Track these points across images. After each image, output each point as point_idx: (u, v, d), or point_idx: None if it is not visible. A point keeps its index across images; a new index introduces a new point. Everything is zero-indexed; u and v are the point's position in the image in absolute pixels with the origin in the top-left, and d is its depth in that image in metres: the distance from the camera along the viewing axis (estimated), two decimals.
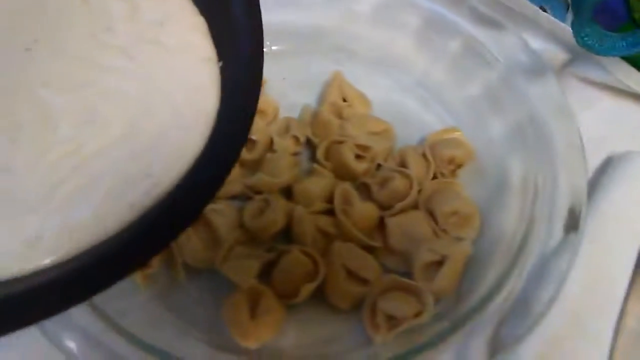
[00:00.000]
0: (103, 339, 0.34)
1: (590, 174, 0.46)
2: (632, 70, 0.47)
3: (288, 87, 0.50)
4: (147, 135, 0.28)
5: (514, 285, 0.36)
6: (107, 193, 0.26)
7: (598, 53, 0.42)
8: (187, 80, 0.29)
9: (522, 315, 0.35)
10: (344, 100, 0.47)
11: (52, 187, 0.26)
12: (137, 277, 0.39)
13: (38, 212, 0.26)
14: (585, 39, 0.42)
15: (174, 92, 0.29)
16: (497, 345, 0.34)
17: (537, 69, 0.45)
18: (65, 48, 0.29)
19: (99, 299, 0.35)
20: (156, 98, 0.29)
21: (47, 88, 0.28)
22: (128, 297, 0.39)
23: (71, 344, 0.33)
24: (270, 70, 0.48)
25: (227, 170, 0.26)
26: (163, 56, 0.30)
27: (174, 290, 0.40)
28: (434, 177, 0.44)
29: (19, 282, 0.24)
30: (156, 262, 0.39)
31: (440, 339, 0.35)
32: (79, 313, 0.34)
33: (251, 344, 0.36)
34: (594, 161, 0.46)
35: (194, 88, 0.29)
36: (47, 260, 0.25)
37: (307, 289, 0.38)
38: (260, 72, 0.28)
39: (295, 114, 0.48)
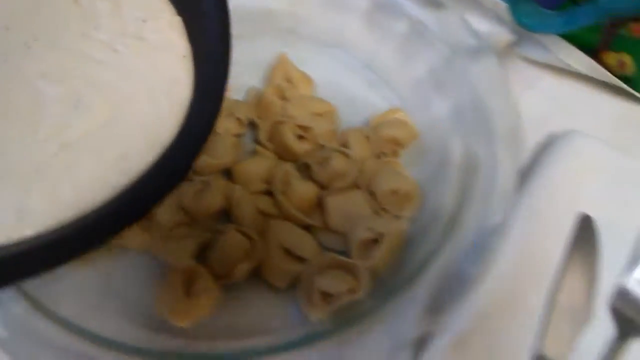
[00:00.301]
0: (35, 325, 0.34)
1: (531, 152, 0.46)
2: (573, 48, 0.47)
3: (235, 69, 0.49)
4: (128, 121, 0.30)
5: (448, 259, 0.37)
6: (89, 172, 0.29)
7: (535, 31, 0.43)
8: (165, 74, 0.32)
9: (454, 289, 0.36)
10: (288, 82, 0.47)
11: (40, 163, 0.29)
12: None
13: (27, 187, 0.28)
14: (522, 17, 0.42)
15: (153, 84, 0.31)
16: (429, 319, 0.35)
17: (479, 49, 0.45)
18: (60, 43, 0.32)
19: (30, 283, 0.35)
20: (138, 88, 0.31)
21: (43, 79, 0.31)
22: (62, 281, 0.38)
23: (2, 332, 0.33)
24: None
25: (194, 158, 0.29)
26: (145, 50, 0.32)
27: (110, 272, 0.40)
28: (377, 157, 0.44)
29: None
30: None
31: (371, 312, 0.35)
32: (10, 299, 0.34)
33: (185, 323, 0.36)
34: (536, 139, 0.47)
35: (171, 81, 0.32)
36: (29, 232, 0.27)
37: (243, 268, 0.38)
38: (227, 67, 0.32)
39: (242, 96, 0.48)
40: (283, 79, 0.47)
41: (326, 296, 0.37)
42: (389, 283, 0.38)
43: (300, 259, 0.39)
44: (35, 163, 0.29)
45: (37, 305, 0.34)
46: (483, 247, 0.37)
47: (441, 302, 0.35)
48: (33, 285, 0.35)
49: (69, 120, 0.30)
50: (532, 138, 0.46)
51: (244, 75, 0.49)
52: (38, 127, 0.29)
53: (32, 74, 0.31)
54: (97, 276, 0.40)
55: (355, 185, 0.43)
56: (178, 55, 0.33)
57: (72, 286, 0.38)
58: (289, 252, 0.39)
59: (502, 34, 0.51)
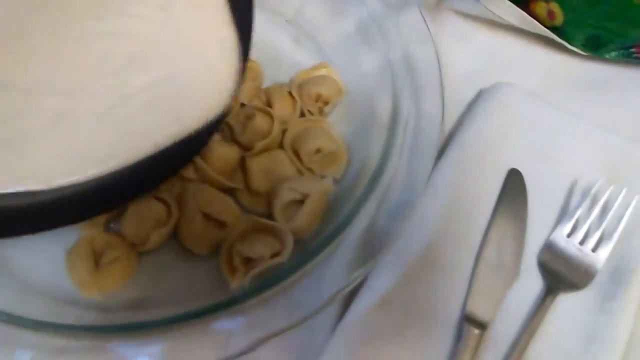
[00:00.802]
0: None
1: (463, 106, 0.45)
2: (504, 1, 0.46)
3: None
4: (183, 80, 0.34)
5: (372, 216, 0.36)
6: (142, 125, 0.33)
7: None
8: (217, 36, 0.36)
9: (378, 247, 0.35)
10: None
11: (100, 114, 0.32)
12: None
13: (90, 132, 0.32)
14: None
15: (207, 45, 0.35)
16: (349, 273, 0.34)
17: (404, 3, 0.44)
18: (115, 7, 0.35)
19: None
20: (192, 48, 0.35)
21: (104, 41, 0.34)
22: None
23: None
24: None
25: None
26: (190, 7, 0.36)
27: (15, 242, 0.37)
28: (302, 116, 0.42)
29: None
30: None
31: (292, 272, 0.34)
32: None
33: (94, 294, 0.34)
34: (469, 94, 0.46)
35: (223, 45, 0.36)
36: (91, 172, 0.32)
37: (158, 234, 0.36)
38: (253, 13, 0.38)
39: None
40: None
41: (248, 261, 0.36)
42: (311, 243, 0.36)
43: (221, 224, 0.37)
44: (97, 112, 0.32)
45: None
46: (408, 203, 0.36)
47: (364, 260, 0.34)
48: None
49: (127, 72, 0.33)
50: (464, 93, 0.45)
51: None
52: (102, 79, 0.33)
53: (94, 32, 0.34)
54: (7, 247, 0.37)
55: (279, 145, 0.41)
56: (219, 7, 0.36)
57: None
58: (208, 217, 0.37)
59: None
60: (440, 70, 0.39)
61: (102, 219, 0.36)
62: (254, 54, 0.44)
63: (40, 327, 0.33)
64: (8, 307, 0.33)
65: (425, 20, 0.42)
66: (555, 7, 0.45)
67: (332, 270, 0.34)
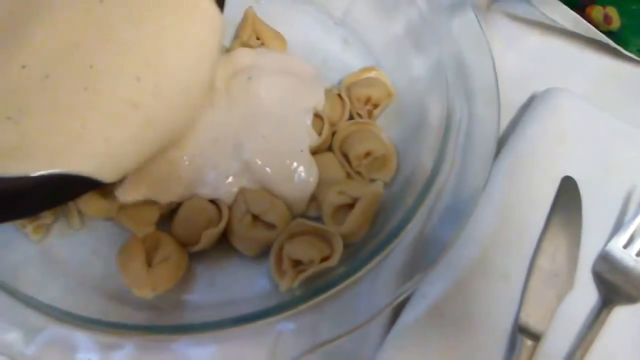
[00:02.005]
0: None
1: (514, 111, 0.44)
2: (557, 3, 0.45)
3: None
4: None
5: (424, 224, 0.35)
6: None
7: None
8: None
9: (430, 255, 0.34)
10: (258, 39, 0.44)
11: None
12: (28, 229, 0.36)
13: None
14: None
15: None
16: (402, 282, 0.33)
17: (457, 5, 0.43)
18: None
19: None
20: None
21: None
22: (17, 251, 0.36)
23: None
24: None
25: None
26: None
27: (69, 241, 0.38)
28: (351, 118, 0.42)
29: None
30: (49, 212, 0.36)
31: (344, 279, 0.33)
32: None
33: (146, 293, 0.34)
34: (520, 98, 0.45)
35: None
36: None
37: (208, 235, 0.36)
38: None
39: None
40: (252, 35, 0.44)
41: (297, 264, 0.36)
42: (362, 249, 0.36)
43: (270, 226, 0.37)
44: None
45: None
46: (461, 211, 0.35)
47: (416, 268, 0.33)
48: None
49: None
50: (515, 97, 0.44)
51: None
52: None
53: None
54: (55, 244, 0.38)
55: (328, 148, 0.41)
56: None
57: (28, 256, 0.36)
58: (258, 219, 0.37)
59: None
60: (496, 75, 0.38)
61: (154, 217, 0.36)
62: (303, 55, 0.45)
63: (92, 324, 0.33)
64: (61, 304, 0.33)
65: (480, 23, 0.41)
66: (612, 12, 0.44)
67: (383, 278, 0.33)
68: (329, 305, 0.33)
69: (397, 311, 0.36)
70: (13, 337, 0.32)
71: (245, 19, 0.45)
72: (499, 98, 0.38)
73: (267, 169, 0.37)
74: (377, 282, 0.33)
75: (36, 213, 0.35)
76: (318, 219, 0.38)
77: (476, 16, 0.42)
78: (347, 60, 0.46)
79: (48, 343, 0.32)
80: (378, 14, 0.46)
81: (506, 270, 0.37)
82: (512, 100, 0.44)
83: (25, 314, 0.32)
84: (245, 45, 0.43)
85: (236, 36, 0.45)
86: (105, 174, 0.32)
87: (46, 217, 0.37)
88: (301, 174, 0.38)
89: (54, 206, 0.36)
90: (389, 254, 0.34)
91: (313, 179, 0.38)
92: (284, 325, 0.33)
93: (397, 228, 0.35)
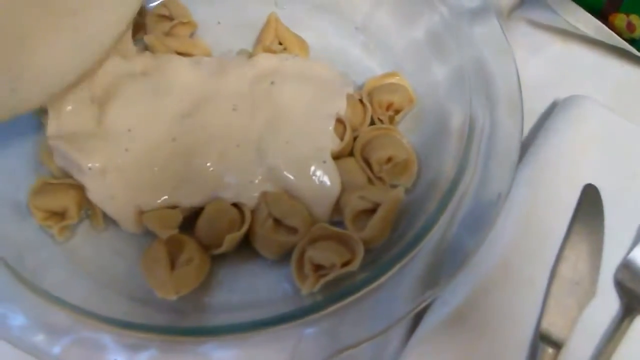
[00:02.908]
0: (17, 297, 0.33)
1: (536, 118, 0.44)
2: (580, 10, 0.45)
3: (223, 31, 0.47)
4: None
5: (445, 229, 0.35)
6: None
7: None
8: None
9: (452, 262, 0.34)
10: (280, 44, 0.45)
11: None
12: (54, 230, 0.37)
13: None
14: None
15: None
16: (424, 289, 0.33)
17: (479, 11, 0.43)
18: None
19: (12, 255, 0.34)
20: None
21: None
22: (43, 251, 0.37)
23: None
24: (204, 14, 0.47)
25: None
26: None
27: (93, 243, 0.38)
28: (372, 124, 0.42)
29: None
30: (74, 213, 0.37)
31: (366, 284, 0.33)
32: None
33: (170, 295, 0.34)
34: (541, 105, 0.45)
35: None
36: None
37: (231, 238, 0.36)
38: None
39: (231, 58, 0.45)
40: (274, 40, 0.45)
41: (319, 268, 0.36)
42: (383, 255, 0.36)
43: (292, 230, 0.37)
44: None
45: (21, 279, 0.33)
46: (483, 218, 0.35)
47: (438, 275, 0.33)
48: (14, 255, 0.34)
49: None
50: (537, 105, 0.44)
51: (234, 37, 0.47)
52: None
53: None
54: (80, 245, 0.38)
55: (350, 153, 0.41)
56: None
57: (52, 256, 0.36)
58: (280, 223, 0.37)
59: None
60: (519, 82, 0.38)
61: (178, 220, 0.37)
62: (324, 60, 0.45)
63: (116, 325, 0.33)
64: (86, 305, 0.33)
65: (503, 30, 0.41)
66: (635, 20, 0.44)
67: (405, 284, 0.33)
68: (351, 311, 0.33)
69: (418, 317, 0.36)
70: (39, 337, 0.32)
71: (268, 23, 0.45)
72: (522, 105, 0.38)
73: (290, 174, 0.37)
74: (399, 289, 0.33)
75: None
76: (339, 223, 0.38)
77: (499, 22, 0.42)
78: (368, 65, 0.47)
79: (73, 344, 0.32)
80: (399, 20, 0.47)
81: (528, 278, 0.36)
82: (534, 108, 0.44)
83: (51, 314, 0.33)
84: (268, 50, 0.44)
85: (259, 41, 0.45)
86: None
87: (71, 218, 0.37)
88: (324, 179, 0.38)
89: None
90: (411, 260, 0.34)
91: (336, 185, 0.38)
92: (306, 330, 0.33)
93: (419, 235, 0.35)
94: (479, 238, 0.34)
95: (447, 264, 0.34)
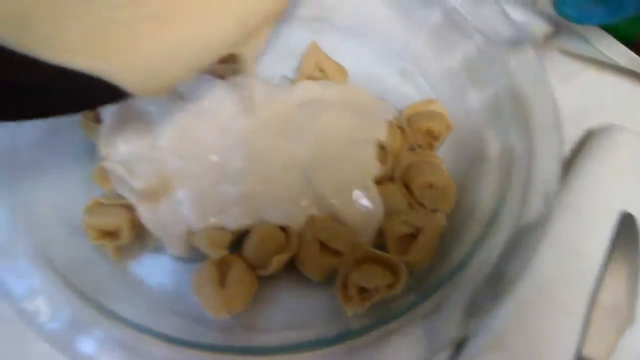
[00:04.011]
0: (72, 310, 0.34)
1: (569, 147, 0.45)
2: (614, 41, 0.46)
3: (264, 58, 0.49)
4: None
5: (488, 256, 0.36)
6: None
7: (578, 22, 0.42)
8: None
9: (494, 285, 0.35)
10: (321, 71, 0.46)
11: None
12: (108, 249, 0.38)
13: None
14: (564, 7, 0.41)
15: None
16: (469, 315, 0.34)
17: (516, 40, 0.44)
18: None
19: (69, 270, 0.35)
20: None
21: None
22: (97, 269, 0.38)
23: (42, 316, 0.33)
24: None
25: None
26: None
27: (145, 261, 0.40)
28: (411, 149, 0.43)
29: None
30: (127, 233, 0.38)
31: (410, 309, 0.34)
32: (50, 284, 0.34)
33: (222, 314, 0.36)
34: (575, 134, 0.46)
35: None
36: None
37: (278, 260, 0.37)
38: None
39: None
40: (315, 68, 0.46)
41: (363, 291, 0.37)
42: (426, 280, 0.37)
43: (335, 252, 0.38)
44: None
45: (77, 291, 0.34)
46: (522, 245, 0.36)
47: (480, 302, 0.34)
48: (72, 270, 0.35)
49: None
50: (571, 133, 0.45)
51: (276, 64, 0.48)
52: None
53: None
54: (132, 264, 0.40)
55: (390, 178, 0.42)
56: None
57: (107, 274, 0.38)
58: (325, 246, 0.38)
59: (539, 25, 0.50)
60: (557, 110, 0.40)
61: (227, 241, 0.38)
62: (363, 86, 0.46)
63: (170, 341, 0.34)
64: (138, 320, 0.35)
65: (539, 60, 0.42)
66: None
67: (448, 311, 0.34)
68: (394, 337, 0.34)
69: (459, 343, 0.37)
70: (91, 349, 0.33)
71: (308, 51, 0.47)
72: (561, 133, 0.39)
73: (335, 199, 0.39)
74: (442, 316, 0.34)
75: (54, 114, 0.33)
76: (381, 246, 0.39)
77: (535, 52, 0.43)
78: (405, 92, 0.48)
79: (125, 358, 0.33)
80: (435, 48, 0.48)
81: (566, 304, 0.37)
82: (568, 136, 0.45)
83: (104, 327, 0.34)
84: (309, 77, 0.45)
85: (300, 68, 0.47)
86: (136, 88, 0.32)
87: (124, 238, 0.38)
88: (367, 205, 0.39)
89: (71, 111, 0.34)
90: (454, 287, 0.35)
91: (379, 210, 0.39)
92: (351, 353, 0.34)
93: (462, 261, 0.36)
94: (521, 265, 0.35)
95: (489, 291, 0.34)
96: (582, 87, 0.48)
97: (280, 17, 0.48)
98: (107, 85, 0.30)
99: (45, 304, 0.33)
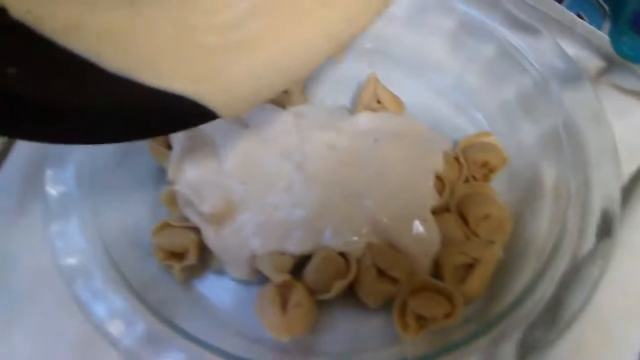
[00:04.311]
0: (146, 325, 0.35)
1: (624, 181, 0.46)
2: None
3: (323, 88, 0.51)
4: None
5: (545, 289, 0.36)
6: None
7: (635, 61, 0.42)
8: None
9: (552, 319, 0.35)
10: (378, 102, 0.48)
11: None
12: (175, 269, 0.40)
13: None
14: (623, 47, 0.42)
15: None
16: (526, 349, 0.34)
17: (572, 75, 0.45)
18: None
19: (142, 289, 0.37)
20: None
21: None
22: (164, 288, 0.40)
23: (113, 329, 0.34)
24: None
25: None
26: None
27: (210, 282, 0.41)
28: (466, 181, 0.44)
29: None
30: (194, 255, 0.40)
31: (468, 340, 0.35)
32: (122, 301, 0.35)
33: (283, 336, 0.37)
34: (629, 169, 0.46)
35: None
36: None
37: (339, 285, 0.38)
38: None
39: None
40: (373, 98, 0.48)
41: (420, 319, 0.38)
42: (483, 312, 0.38)
43: (393, 280, 0.39)
44: None
45: (148, 306, 0.36)
46: (581, 279, 0.37)
47: (537, 337, 0.35)
48: (142, 286, 0.37)
49: None
50: (624, 168, 0.46)
51: (334, 94, 0.50)
52: None
53: None
54: (198, 284, 0.42)
55: (446, 208, 0.43)
56: None
57: (174, 292, 0.40)
58: (383, 273, 0.39)
59: (593, 61, 0.51)
60: (615, 146, 0.40)
61: (289, 266, 0.39)
62: (418, 118, 0.48)
63: (229, 357, 0.35)
64: (203, 336, 0.36)
65: (596, 95, 0.43)
66: None
67: (505, 344, 0.34)
68: None
69: None
70: None
71: (367, 83, 0.48)
72: (619, 168, 0.40)
73: (394, 228, 0.40)
74: (498, 349, 0.34)
75: (147, 136, 0.37)
76: (435, 276, 0.40)
77: (593, 88, 0.44)
78: (459, 124, 0.49)
79: None
80: (489, 81, 0.49)
81: (627, 341, 0.38)
82: (623, 172, 0.45)
83: (177, 343, 0.35)
84: (368, 107, 0.47)
85: (359, 99, 0.48)
86: (226, 111, 0.33)
87: (190, 259, 0.40)
88: (425, 234, 0.40)
89: (163, 132, 0.38)
90: (511, 320, 0.35)
91: (436, 241, 0.40)
92: None
93: (520, 294, 0.36)
94: (580, 299, 0.35)
95: (547, 326, 0.35)
96: (635, 122, 0.48)
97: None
98: (196, 107, 0.32)
99: (121, 321, 0.35)
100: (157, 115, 0.32)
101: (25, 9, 0.28)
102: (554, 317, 0.35)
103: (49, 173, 0.39)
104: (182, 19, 0.31)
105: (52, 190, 0.39)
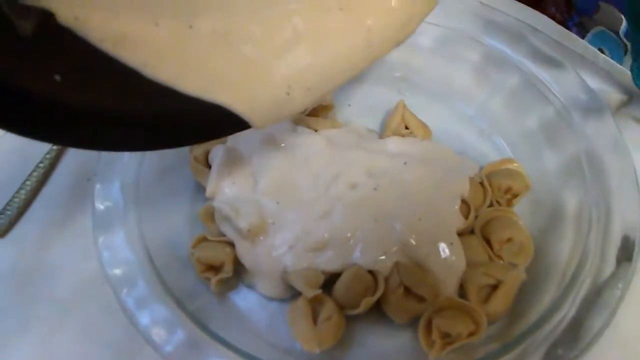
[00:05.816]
0: (186, 332, 0.37)
1: None
2: None
3: (353, 113, 0.53)
4: None
5: (566, 312, 0.38)
6: None
7: None
8: None
9: (573, 342, 0.37)
10: (406, 128, 0.50)
11: None
12: (211, 282, 0.42)
13: None
14: None
15: None
16: None
17: (593, 106, 0.47)
18: None
19: (181, 296, 0.39)
20: None
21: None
22: (201, 299, 0.42)
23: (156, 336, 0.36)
24: (337, 97, 0.53)
25: None
26: None
27: (244, 294, 0.43)
28: (491, 205, 0.46)
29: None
30: (229, 269, 0.42)
31: (491, 358, 0.37)
32: (164, 309, 0.38)
33: (314, 349, 0.39)
34: None
35: None
36: None
37: (367, 302, 0.40)
38: None
39: None
40: (401, 124, 0.50)
41: (445, 336, 0.39)
42: (506, 332, 0.39)
43: (419, 298, 0.41)
44: None
45: (189, 314, 0.38)
46: (602, 302, 0.38)
47: (559, 353, 0.36)
48: (183, 296, 0.39)
49: None
50: None
51: (363, 118, 0.52)
52: None
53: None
54: (235, 298, 0.44)
55: (471, 231, 0.45)
56: None
57: (211, 306, 0.42)
58: (410, 291, 0.41)
59: (614, 93, 0.53)
60: (636, 175, 0.42)
61: (320, 281, 0.41)
62: (446, 145, 0.50)
63: None
64: (238, 344, 0.38)
65: (617, 126, 0.45)
66: None
67: None
68: None
69: None
70: None
71: (396, 109, 0.51)
72: (638, 196, 0.41)
73: (421, 249, 0.42)
74: None
75: (184, 144, 0.37)
76: (460, 296, 0.42)
77: (612, 117, 0.46)
78: (483, 150, 0.51)
79: None
80: (513, 109, 0.51)
81: None
82: None
83: (211, 351, 0.37)
84: (396, 132, 0.49)
85: (387, 124, 0.51)
86: (257, 120, 0.35)
87: (227, 273, 0.42)
88: (451, 255, 0.42)
89: (198, 141, 0.39)
90: (534, 340, 0.37)
91: (462, 262, 0.42)
92: None
93: (542, 315, 0.38)
94: (601, 322, 0.37)
95: (568, 347, 0.36)
96: None
97: (369, 77, 0.53)
98: (231, 117, 0.34)
99: (163, 328, 0.37)
100: (194, 124, 0.34)
101: (73, 15, 0.27)
102: (575, 337, 0.37)
103: (97, 188, 0.42)
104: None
105: (100, 205, 0.41)
